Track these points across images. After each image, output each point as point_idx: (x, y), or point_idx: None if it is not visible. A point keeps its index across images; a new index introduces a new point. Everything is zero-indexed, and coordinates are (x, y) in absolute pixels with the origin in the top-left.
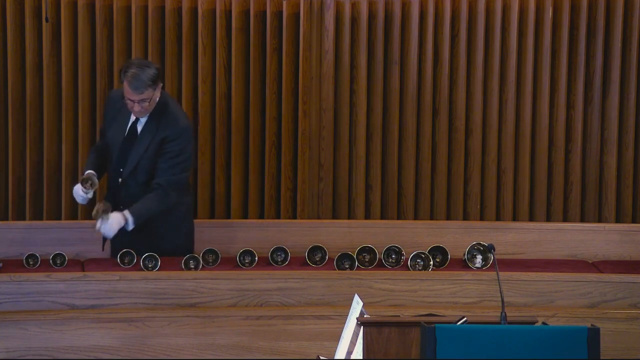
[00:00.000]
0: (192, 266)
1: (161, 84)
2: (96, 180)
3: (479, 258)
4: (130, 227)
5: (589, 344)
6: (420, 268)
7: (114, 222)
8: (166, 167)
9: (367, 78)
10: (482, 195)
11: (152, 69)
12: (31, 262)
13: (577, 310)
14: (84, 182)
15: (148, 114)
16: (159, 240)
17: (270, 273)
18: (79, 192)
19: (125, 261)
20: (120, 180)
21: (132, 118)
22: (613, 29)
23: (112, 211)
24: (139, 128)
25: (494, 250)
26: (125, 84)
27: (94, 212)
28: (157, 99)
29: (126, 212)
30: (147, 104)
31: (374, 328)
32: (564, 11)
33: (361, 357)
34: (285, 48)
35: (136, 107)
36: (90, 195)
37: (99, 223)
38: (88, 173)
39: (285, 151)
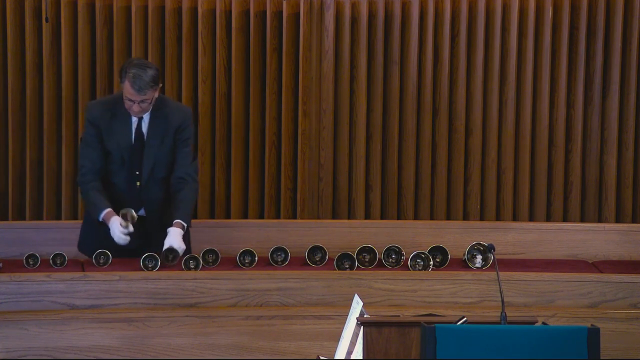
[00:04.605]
0: (192, 266)
1: (161, 85)
2: (134, 213)
3: (479, 258)
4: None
5: (589, 344)
6: (420, 268)
7: (176, 237)
8: (186, 153)
9: (367, 78)
10: (482, 195)
11: (153, 70)
12: (31, 262)
13: (577, 310)
14: (124, 217)
15: (149, 113)
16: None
17: (270, 273)
18: (117, 231)
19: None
20: (139, 183)
21: (134, 120)
22: (613, 29)
23: (136, 216)
24: (145, 127)
25: (494, 250)
26: (127, 85)
27: (126, 221)
28: (155, 99)
29: (179, 222)
30: (146, 104)
31: (374, 328)
32: (564, 11)
33: (361, 357)
34: (285, 48)
35: (135, 107)
36: (130, 229)
37: (128, 228)
38: (125, 209)
39: (285, 151)
